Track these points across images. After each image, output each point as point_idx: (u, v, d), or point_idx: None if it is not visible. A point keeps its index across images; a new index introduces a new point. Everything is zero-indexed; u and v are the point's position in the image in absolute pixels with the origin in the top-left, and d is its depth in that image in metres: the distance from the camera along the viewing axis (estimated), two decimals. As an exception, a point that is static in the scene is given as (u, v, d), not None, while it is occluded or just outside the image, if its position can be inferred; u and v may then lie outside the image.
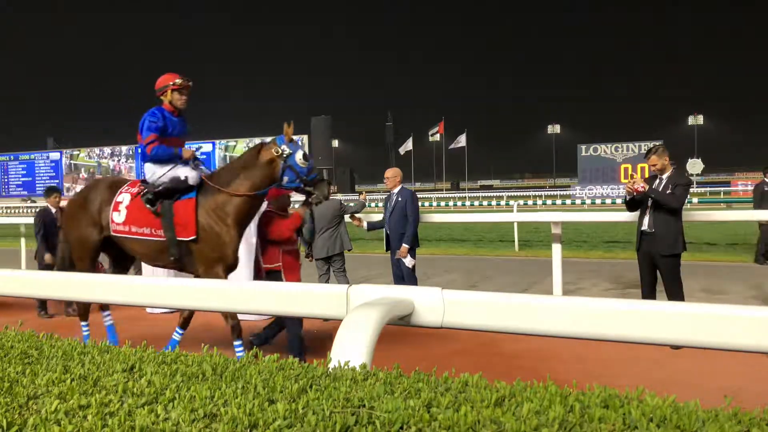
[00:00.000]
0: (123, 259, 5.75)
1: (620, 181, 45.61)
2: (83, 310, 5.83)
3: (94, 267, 5.55)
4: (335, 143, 65.63)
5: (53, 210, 8.00)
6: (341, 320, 2.18)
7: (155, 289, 3.10)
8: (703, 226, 16.63)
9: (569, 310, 2.13)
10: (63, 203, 8.23)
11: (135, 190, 5.24)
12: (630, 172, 31.00)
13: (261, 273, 5.47)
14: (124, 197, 5.21)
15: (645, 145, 45.35)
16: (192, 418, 1.27)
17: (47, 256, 7.62)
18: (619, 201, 25.98)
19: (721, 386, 3.96)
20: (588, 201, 30.65)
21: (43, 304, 7.75)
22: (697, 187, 38.29)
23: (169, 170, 5.13)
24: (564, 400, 1.32)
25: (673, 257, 5.70)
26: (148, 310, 7.75)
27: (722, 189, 41.41)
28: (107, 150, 65.27)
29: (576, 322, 2.10)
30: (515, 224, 14.88)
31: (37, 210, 8.12)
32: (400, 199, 6.97)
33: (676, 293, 5.63)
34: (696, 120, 68.57)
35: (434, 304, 2.26)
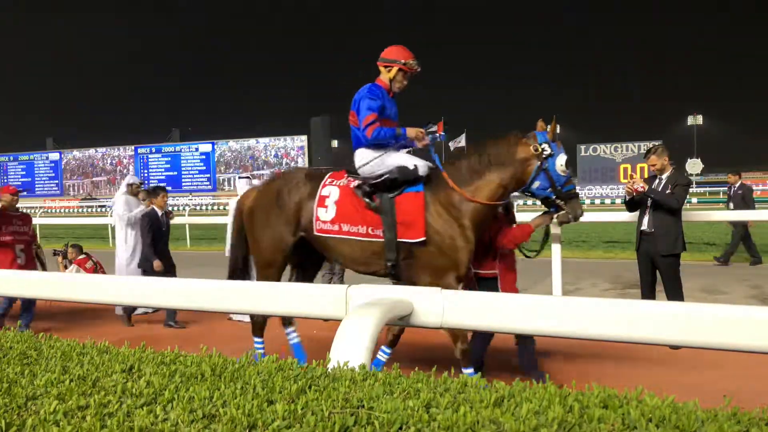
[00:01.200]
0: (310, 266, 4.94)
1: (620, 181, 45.66)
2: (259, 324, 4.91)
3: (281, 274, 4.69)
4: (335, 143, 65.59)
5: (160, 212, 7.35)
6: (341, 320, 2.18)
7: (156, 289, 3.10)
8: (703, 226, 16.63)
9: (569, 310, 2.13)
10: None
11: (342, 182, 4.47)
12: (629, 172, 31.03)
13: (471, 280, 4.51)
14: (331, 191, 4.41)
15: (644, 145, 45.36)
16: (191, 419, 1.27)
17: (156, 263, 7.09)
18: (618, 201, 25.98)
19: (720, 386, 3.96)
20: (587, 201, 30.66)
21: (128, 312, 7.24)
22: (696, 188, 38.30)
23: (381, 156, 4.36)
24: (563, 401, 1.32)
25: (673, 257, 5.70)
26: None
27: (721, 189, 41.40)
28: (106, 150, 65.29)
29: (575, 322, 2.10)
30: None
31: (146, 212, 7.44)
32: None
33: (675, 293, 5.62)
34: (695, 120, 68.59)
35: (434, 305, 2.26)
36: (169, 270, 7.22)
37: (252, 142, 61.52)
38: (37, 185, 66.71)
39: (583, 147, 52.61)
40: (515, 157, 4.14)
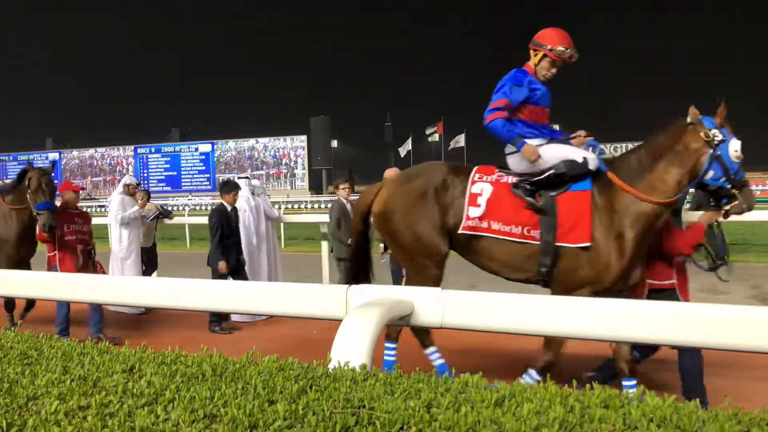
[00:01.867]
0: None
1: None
2: (395, 331, 4.38)
3: (439, 280, 4.17)
4: (334, 143, 65.58)
5: (229, 208, 7.04)
6: (341, 320, 2.18)
7: (151, 288, 3.10)
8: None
9: (570, 310, 2.13)
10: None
11: (493, 177, 4.06)
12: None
13: (642, 291, 4.04)
14: (482, 187, 4.00)
15: (644, 146, 45.23)
16: (192, 419, 1.27)
17: (221, 265, 6.82)
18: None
19: (721, 386, 3.95)
20: (587, 201, 30.52)
21: (217, 317, 6.84)
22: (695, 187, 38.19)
23: (539, 147, 3.92)
24: (564, 401, 1.32)
25: None
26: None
27: (721, 189, 41.28)
28: (106, 150, 65.26)
29: (576, 322, 2.11)
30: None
31: (213, 207, 7.23)
32: None
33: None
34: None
35: (434, 305, 2.27)
36: (237, 270, 6.93)
37: (252, 142, 61.48)
38: (36, 185, 66.56)
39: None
40: (686, 146, 3.71)
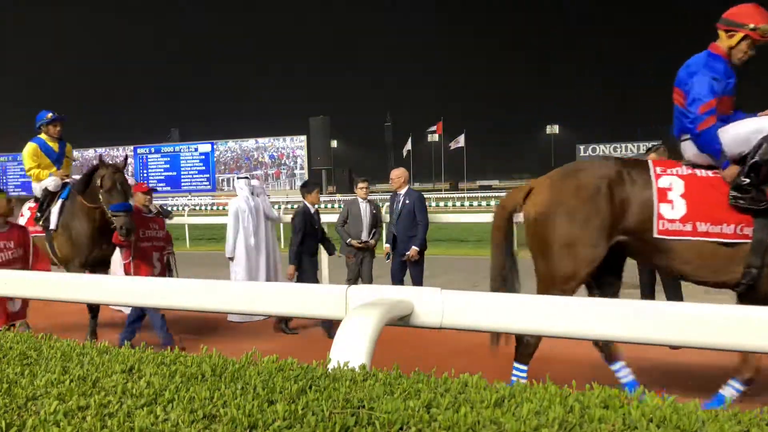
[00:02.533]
0: (610, 281, 3.93)
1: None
2: (531, 348, 3.77)
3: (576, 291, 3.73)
4: (334, 143, 65.61)
5: (312, 208, 6.84)
6: (340, 321, 2.18)
7: (151, 289, 3.09)
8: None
9: (570, 310, 2.13)
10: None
11: (683, 170, 3.56)
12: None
13: None
14: (671, 182, 3.50)
15: (644, 146, 45.34)
16: (191, 419, 1.27)
17: (290, 269, 6.59)
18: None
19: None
20: (587, 201, 30.58)
21: (284, 318, 6.56)
22: (695, 188, 38.25)
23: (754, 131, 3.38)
24: (564, 401, 1.32)
25: None
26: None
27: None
28: (106, 150, 65.24)
29: (576, 322, 2.11)
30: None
31: (296, 208, 6.88)
32: (407, 201, 6.93)
33: (674, 293, 5.62)
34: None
35: (434, 305, 2.26)
36: (305, 274, 6.60)
37: (251, 142, 61.48)
38: (36, 185, 66.60)
39: (582, 147, 52.64)
40: None
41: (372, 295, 2.33)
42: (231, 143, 62.03)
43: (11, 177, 67.32)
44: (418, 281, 6.85)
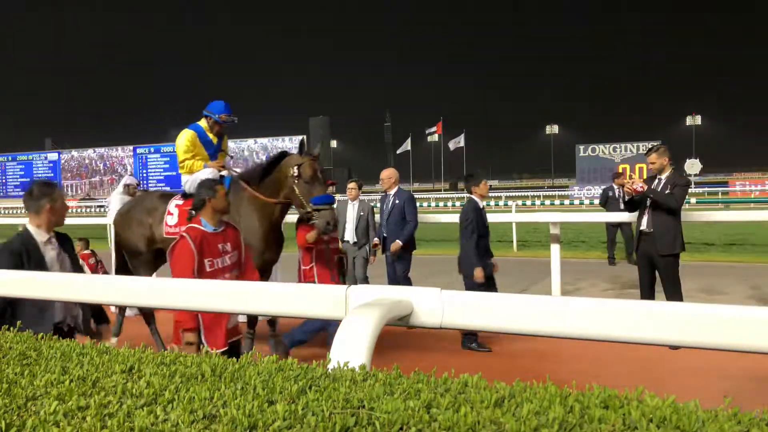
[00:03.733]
0: None
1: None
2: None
3: None
4: (333, 143, 65.65)
5: (481, 203, 6.03)
6: (340, 321, 2.18)
7: (151, 289, 3.09)
8: (701, 227, 16.65)
9: (569, 310, 2.13)
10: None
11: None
12: (628, 172, 31.07)
13: None
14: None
15: (643, 146, 45.42)
16: (191, 419, 1.27)
17: (478, 272, 5.73)
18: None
19: (721, 386, 3.96)
20: (586, 201, 30.68)
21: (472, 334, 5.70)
22: (695, 188, 38.40)
23: None
24: (564, 401, 1.32)
25: (672, 257, 5.71)
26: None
27: (720, 189, 41.49)
28: (105, 150, 65.24)
29: (575, 322, 2.10)
30: (513, 224, 14.89)
31: (465, 203, 6.11)
32: (397, 201, 6.95)
33: (674, 293, 5.63)
34: (694, 120, 68.69)
35: (433, 305, 2.26)
36: (489, 277, 5.85)
37: (250, 142, 61.52)
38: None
39: (581, 147, 52.67)
40: None
41: (372, 295, 2.33)
42: (230, 143, 62.05)
43: (11, 177, 67.30)
44: (399, 278, 6.83)
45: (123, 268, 6.04)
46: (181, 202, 5.57)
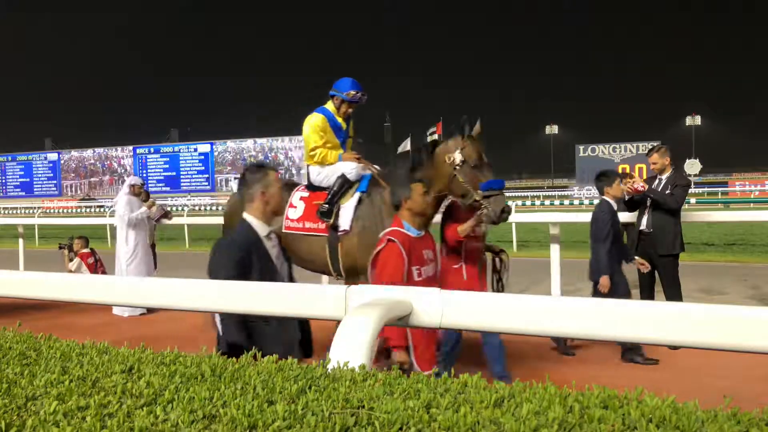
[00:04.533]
0: None
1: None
2: None
3: None
4: (333, 144, 65.49)
5: (615, 204, 5.51)
6: (339, 321, 2.18)
7: (152, 289, 3.09)
8: (701, 227, 16.65)
9: (569, 310, 2.13)
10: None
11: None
12: (627, 171, 31.04)
13: None
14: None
15: (643, 146, 45.46)
16: (191, 419, 1.27)
17: (604, 280, 5.16)
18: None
19: (721, 386, 3.96)
20: (586, 201, 30.67)
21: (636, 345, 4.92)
22: (694, 188, 38.41)
23: None
24: (563, 401, 1.32)
25: (672, 257, 5.71)
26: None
27: (720, 189, 41.50)
28: (105, 150, 65.23)
29: (576, 322, 2.10)
30: (513, 225, 14.89)
31: (599, 204, 5.55)
32: None
33: (674, 294, 5.63)
34: (694, 121, 68.67)
35: (432, 305, 2.26)
36: (618, 287, 5.24)
37: (250, 142, 61.53)
38: (35, 186, 66.61)
39: (581, 147, 52.73)
40: None
41: (371, 296, 2.33)
42: (230, 143, 62.04)
43: (10, 177, 67.25)
44: None
45: None
46: (306, 194, 5.06)
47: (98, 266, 8.57)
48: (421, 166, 4.45)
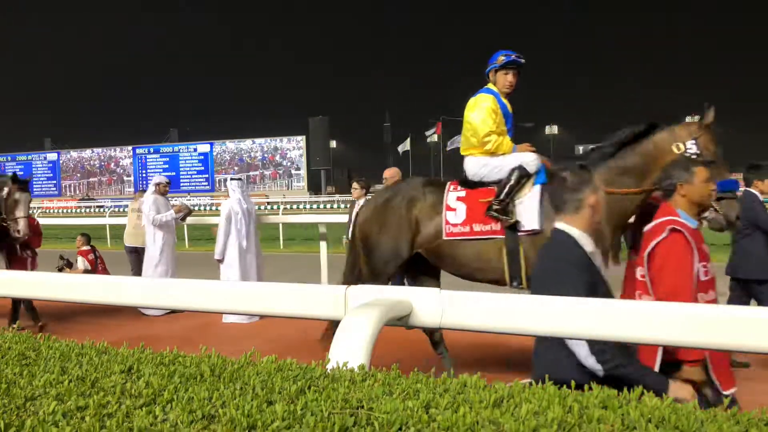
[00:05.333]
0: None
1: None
2: None
3: None
4: (333, 144, 65.59)
5: (760, 197, 4.93)
6: (339, 321, 2.18)
7: (151, 289, 3.09)
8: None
9: (570, 310, 2.13)
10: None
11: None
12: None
13: None
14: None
15: (643, 146, 45.34)
16: (190, 420, 1.27)
17: None
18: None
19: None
20: (586, 201, 30.56)
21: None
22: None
23: None
24: (562, 401, 1.32)
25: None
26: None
27: (720, 189, 41.38)
28: (104, 150, 65.21)
29: (574, 322, 2.10)
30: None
31: (745, 196, 4.85)
32: None
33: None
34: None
35: (432, 305, 2.26)
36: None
37: (249, 142, 61.51)
38: (35, 185, 66.61)
39: (581, 147, 52.70)
40: None
41: (371, 296, 2.33)
42: (230, 143, 62.03)
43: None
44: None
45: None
46: (462, 193, 4.35)
47: (99, 263, 8.55)
48: (630, 151, 3.89)
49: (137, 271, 8.24)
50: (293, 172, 59.28)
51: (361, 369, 1.64)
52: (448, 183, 4.55)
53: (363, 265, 4.67)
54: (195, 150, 62.77)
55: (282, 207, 30.71)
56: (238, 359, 1.72)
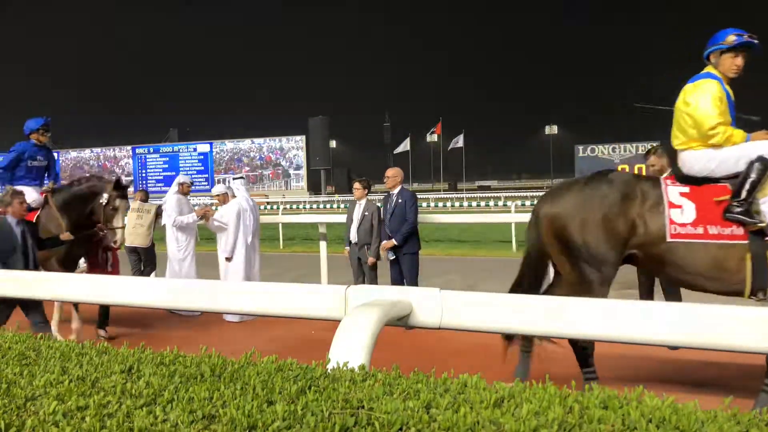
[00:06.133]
0: None
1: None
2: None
3: None
4: (333, 144, 65.59)
5: None
6: (339, 321, 2.18)
7: (150, 289, 3.09)
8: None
9: (569, 311, 2.13)
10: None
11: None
12: (627, 170, 31.05)
13: None
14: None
15: (642, 146, 45.44)
16: (190, 420, 1.27)
17: None
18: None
19: (720, 387, 3.96)
20: (586, 201, 30.57)
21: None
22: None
23: None
24: (563, 401, 1.32)
25: None
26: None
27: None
28: (104, 150, 65.20)
29: (576, 322, 2.11)
30: (513, 225, 14.88)
31: None
32: (400, 200, 6.95)
33: (673, 294, 5.62)
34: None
35: (432, 305, 2.26)
36: None
37: (248, 142, 61.51)
38: (34, 185, 66.41)
39: (581, 147, 52.80)
40: None
41: (371, 296, 2.33)
42: (229, 143, 62.00)
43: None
44: (411, 280, 6.81)
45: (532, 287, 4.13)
46: (686, 189, 3.77)
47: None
48: None
49: (137, 271, 8.22)
50: (293, 172, 59.27)
51: (362, 369, 1.63)
52: (662, 177, 4.07)
53: (567, 274, 3.96)
54: (195, 150, 62.71)
55: (282, 207, 30.69)
56: (239, 359, 1.72)
